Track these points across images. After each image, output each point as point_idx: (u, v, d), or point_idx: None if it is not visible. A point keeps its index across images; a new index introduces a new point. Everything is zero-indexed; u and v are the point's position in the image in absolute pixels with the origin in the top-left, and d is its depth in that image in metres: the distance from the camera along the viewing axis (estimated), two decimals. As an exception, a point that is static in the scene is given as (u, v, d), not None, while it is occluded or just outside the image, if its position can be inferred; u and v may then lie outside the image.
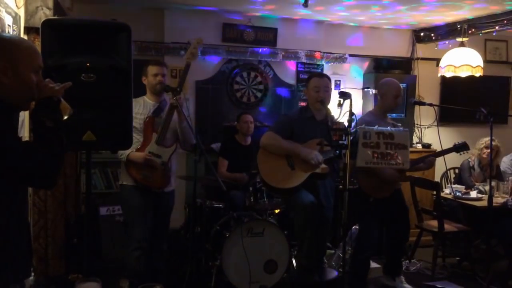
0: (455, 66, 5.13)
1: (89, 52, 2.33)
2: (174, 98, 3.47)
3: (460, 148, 4.01)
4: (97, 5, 5.05)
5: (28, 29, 3.48)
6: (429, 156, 4.04)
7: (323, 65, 5.85)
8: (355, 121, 3.30)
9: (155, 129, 3.58)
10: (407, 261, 4.93)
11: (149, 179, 3.50)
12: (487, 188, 4.67)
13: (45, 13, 3.47)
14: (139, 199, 3.52)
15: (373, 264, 4.44)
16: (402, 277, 4.29)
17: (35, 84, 1.82)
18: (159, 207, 3.63)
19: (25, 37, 3.45)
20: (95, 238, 4.45)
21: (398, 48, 6.18)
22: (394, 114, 4.23)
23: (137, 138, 3.52)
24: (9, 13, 3.01)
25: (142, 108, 3.62)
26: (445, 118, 6.07)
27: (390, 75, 5.47)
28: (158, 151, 3.54)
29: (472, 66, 5.10)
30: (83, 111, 2.33)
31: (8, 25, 2.98)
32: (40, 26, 2.30)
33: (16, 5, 3.23)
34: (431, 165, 4.09)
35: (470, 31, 5.23)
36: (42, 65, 1.87)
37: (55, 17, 3.46)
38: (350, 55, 5.93)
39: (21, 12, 3.38)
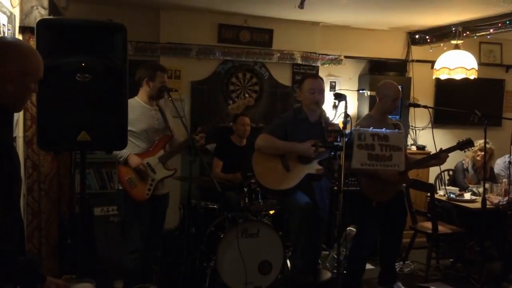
0: (449, 69, 5.15)
1: (85, 52, 2.33)
2: (194, 137, 3.51)
3: (464, 145, 3.96)
4: (92, 5, 5.04)
5: (23, 29, 3.46)
6: (441, 152, 3.96)
7: (318, 66, 5.86)
8: (349, 122, 3.30)
9: (166, 147, 3.62)
10: (401, 262, 4.95)
11: (132, 185, 3.49)
12: (480, 190, 4.69)
13: (40, 12, 3.46)
14: (136, 203, 3.52)
15: (367, 266, 4.44)
16: (399, 283, 4.28)
17: (32, 93, 1.87)
18: (155, 211, 3.63)
19: (20, 37, 3.44)
20: (89, 239, 4.43)
21: (393, 50, 6.20)
22: (389, 116, 4.22)
23: (133, 142, 3.50)
24: (4, 13, 2.99)
25: (140, 113, 3.56)
26: (439, 120, 6.10)
27: (385, 77, 5.48)
28: (156, 167, 3.55)
29: (466, 69, 5.12)
30: (77, 111, 2.32)
31: (3, 25, 2.96)
32: (35, 26, 2.29)
33: (11, 5, 3.22)
34: (444, 160, 4.00)
35: (465, 34, 5.26)
36: (42, 76, 1.90)
37: (50, 16, 3.45)
38: (346, 57, 5.95)
39: (16, 12, 3.36)
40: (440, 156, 3.92)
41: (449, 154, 3.96)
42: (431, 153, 4.68)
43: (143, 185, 3.51)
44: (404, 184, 4.13)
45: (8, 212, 1.78)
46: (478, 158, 5.16)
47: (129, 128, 3.42)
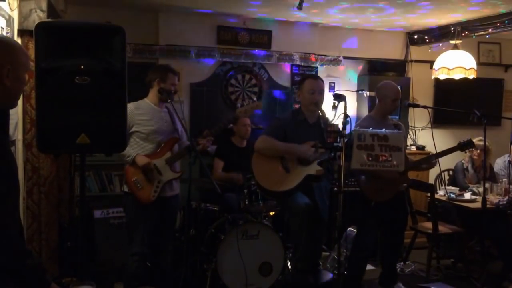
0: (448, 69, 5.15)
1: (83, 55, 2.32)
2: (197, 143, 3.52)
3: (465, 146, 3.97)
4: (91, 8, 5.04)
5: (21, 32, 3.47)
6: (433, 156, 3.99)
7: (317, 67, 5.86)
8: (349, 123, 3.31)
9: (173, 149, 3.61)
10: (402, 262, 4.94)
11: (138, 187, 3.49)
12: (481, 189, 4.68)
13: (39, 15, 3.46)
14: (142, 207, 3.51)
15: (368, 266, 4.43)
16: (400, 284, 4.27)
17: (25, 83, 1.90)
18: (164, 212, 3.62)
19: (19, 40, 3.44)
20: (89, 241, 4.43)
21: (392, 51, 6.21)
22: (390, 116, 4.22)
23: (140, 144, 3.51)
24: (3, 16, 3.00)
25: (149, 115, 3.56)
26: (439, 120, 6.10)
27: (384, 77, 5.48)
28: (163, 169, 3.54)
29: (465, 69, 5.12)
30: (77, 114, 2.32)
31: (2, 28, 2.97)
32: (34, 29, 2.28)
33: (10, 8, 3.22)
34: (434, 165, 4.05)
35: (463, 34, 5.26)
36: (30, 67, 1.97)
37: (49, 19, 3.45)
38: (345, 58, 5.95)
39: (15, 15, 3.37)
40: (429, 161, 3.97)
41: (445, 157, 3.97)
42: (430, 153, 4.69)
43: (149, 187, 3.51)
44: (404, 184, 4.13)
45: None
46: (475, 157, 5.17)
47: (137, 129, 3.47)
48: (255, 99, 5.51)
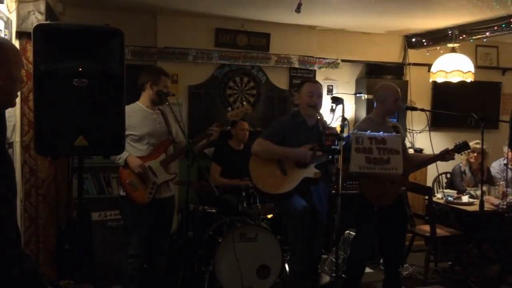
0: (446, 72, 5.17)
1: (82, 57, 2.32)
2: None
3: (461, 148, 3.96)
4: (89, 10, 5.04)
5: (20, 34, 3.46)
6: (445, 152, 3.96)
7: (315, 70, 5.87)
8: (347, 126, 3.31)
9: (168, 151, 3.61)
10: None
11: (133, 188, 3.48)
12: (478, 192, 4.69)
13: (37, 17, 3.46)
14: (138, 209, 3.51)
15: (366, 269, 4.43)
16: None
17: (20, 81, 1.89)
18: (160, 213, 3.62)
19: (17, 42, 3.44)
20: (87, 244, 4.42)
21: (390, 54, 6.22)
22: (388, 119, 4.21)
23: (134, 147, 3.52)
24: (1, 18, 3.00)
25: (142, 117, 3.57)
26: (437, 123, 6.11)
27: (382, 80, 5.49)
28: (157, 171, 3.55)
29: (463, 72, 5.14)
30: (75, 116, 2.32)
31: (0, 30, 2.97)
32: (32, 31, 2.28)
33: (8, 10, 3.22)
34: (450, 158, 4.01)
35: (461, 37, 5.27)
36: (23, 65, 1.97)
37: (47, 21, 3.45)
38: (343, 61, 5.96)
39: (13, 17, 3.36)
40: (445, 157, 3.94)
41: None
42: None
43: (144, 188, 3.51)
44: (403, 188, 4.12)
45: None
46: (472, 160, 5.18)
47: (130, 132, 3.46)
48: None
